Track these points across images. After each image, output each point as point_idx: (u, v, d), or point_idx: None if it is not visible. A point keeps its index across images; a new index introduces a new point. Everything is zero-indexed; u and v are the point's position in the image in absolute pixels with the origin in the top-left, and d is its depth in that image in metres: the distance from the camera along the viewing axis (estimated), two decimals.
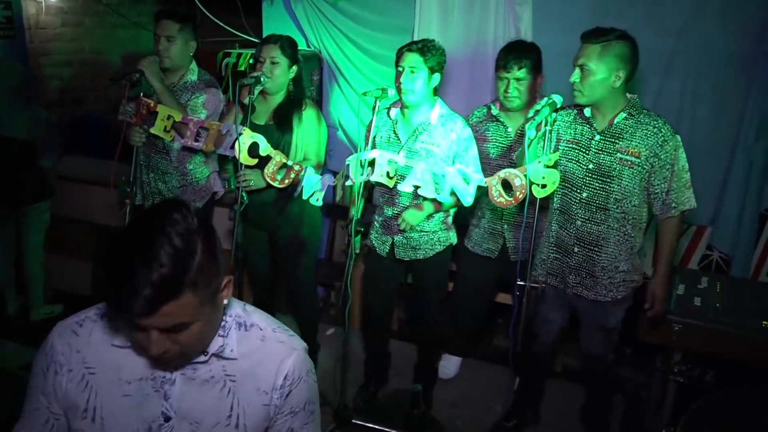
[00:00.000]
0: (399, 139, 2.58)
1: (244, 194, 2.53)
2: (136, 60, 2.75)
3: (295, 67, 2.70)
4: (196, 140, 2.63)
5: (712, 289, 2.43)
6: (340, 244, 3.80)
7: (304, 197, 2.54)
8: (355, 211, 2.47)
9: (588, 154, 2.25)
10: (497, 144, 2.72)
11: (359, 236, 2.67)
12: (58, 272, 3.75)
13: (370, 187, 2.68)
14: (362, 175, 2.40)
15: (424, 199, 2.49)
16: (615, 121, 2.21)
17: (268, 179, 2.53)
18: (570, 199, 2.31)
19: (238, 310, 1.20)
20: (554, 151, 2.26)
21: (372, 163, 2.42)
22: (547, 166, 2.14)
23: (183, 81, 2.89)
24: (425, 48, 2.44)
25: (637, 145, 2.17)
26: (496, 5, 3.13)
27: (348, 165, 2.48)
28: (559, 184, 2.23)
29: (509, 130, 2.69)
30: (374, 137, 2.63)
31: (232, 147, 2.50)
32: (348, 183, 2.58)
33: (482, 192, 2.35)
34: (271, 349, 1.18)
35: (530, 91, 2.60)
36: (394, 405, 2.92)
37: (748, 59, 2.78)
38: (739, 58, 2.80)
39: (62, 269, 3.78)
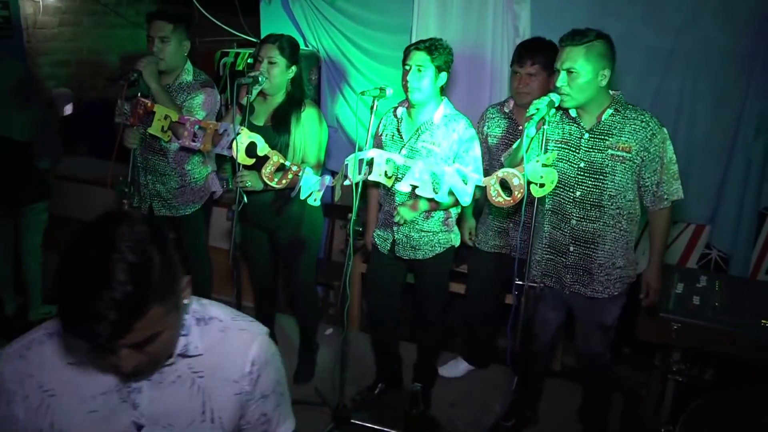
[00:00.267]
0: (402, 138, 2.58)
1: (243, 194, 2.53)
2: (134, 60, 2.75)
3: (294, 68, 2.69)
4: (194, 140, 2.62)
5: (710, 288, 2.43)
6: (339, 244, 3.79)
7: (302, 197, 2.53)
8: (354, 211, 2.47)
9: (578, 153, 2.26)
10: (507, 141, 2.72)
11: (358, 234, 2.67)
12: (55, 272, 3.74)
13: (370, 185, 2.68)
14: (360, 174, 2.40)
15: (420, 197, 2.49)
16: (603, 119, 2.23)
17: (266, 180, 2.52)
18: (563, 198, 2.31)
19: (195, 306, 1.19)
20: (544, 152, 2.27)
21: (371, 163, 2.42)
22: (545, 165, 2.14)
23: (178, 81, 2.89)
24: (433, 47, 2.43)
25: (627, 140, 2.19)
26: (494, 4, 3.13)
27: (346, 165, 2.48)
28: None
29: (520, 127, 2.69)
30: (381, 136, 2.64)
31: (230, 147, 2.50)
32: (346, 183, 2.57)
33: (481, 191, 2.34)
34: (234, 339, 1.18)
35: (542, 88, 2.60)
36: (393, 404, 2.92)
37: (747, 58, 2.78)
38: (738, 57, 2.80)
39: None
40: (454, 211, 2.67)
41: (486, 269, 2.93)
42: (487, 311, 3.05)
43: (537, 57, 2.57)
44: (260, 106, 2.72)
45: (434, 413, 2.87)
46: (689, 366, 2.31)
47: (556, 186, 2.28)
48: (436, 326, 2.86)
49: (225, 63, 3.79)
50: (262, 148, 2.50)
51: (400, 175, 2.43)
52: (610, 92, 2.25)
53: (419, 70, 2.43)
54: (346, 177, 2.46)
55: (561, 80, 2.16)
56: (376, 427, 2.68)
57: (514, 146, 2.41)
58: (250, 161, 2.51)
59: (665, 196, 2.24)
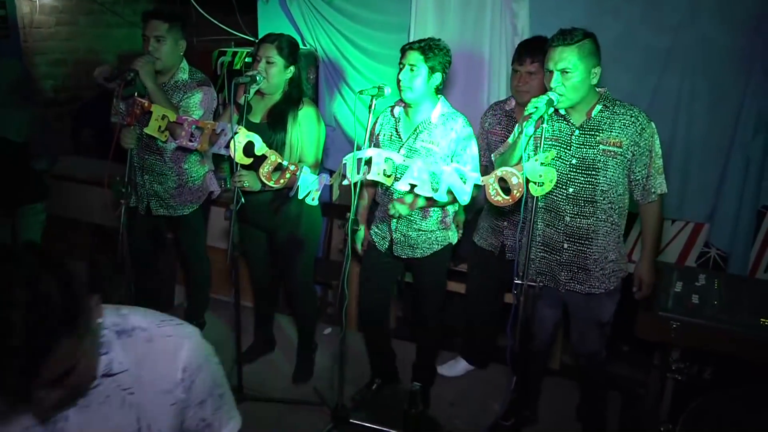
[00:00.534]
0: (400, 137, 2.57)
1: (241, 194, 2.52)
2: (131, 59, 2.74)
3: (292, 68, 2.68)
4: (191, 140, 2.61)
5: (709, 287, 2.43)
6: (338, 244, 3.79)
7: (300, 197, 2.53)
8: (352, 210, 2.46)
9: (570, 150, 2.27)
10: (505, 138, 2.71)
11: (357, 234, 2.67)
12: None
13: (368, 184, 2.68)
14: (359, 173, 2.39)
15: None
16: (592, 115, 2.24)
17: (264, 179, 2.52)
18: (556, 196, 2.32)
19: (114, 318, 1.11)
20: (534, 151, 2.27)
21: (369, 162, 2.41)
22: (543, 164, 2.14)
23: (174, 80, 2.88)
24: (427, 47, 2.43)
25: (617, 135, 2.21)
26: (492, 3, 3.12)
27: (345, 164, 2.47)
28: None
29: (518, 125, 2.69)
30: (377, 135, 2.64)
31: (227, 146, 2.49)
32: (345, 182, 2.57)
33: (480, 191, 2.34)
34: (161, 347, 1.11)
35: (542, 86, 2.59)
36: (392, 404, 2.91)
37: (745, 56, 2.78)
38: (736, 56, 2.80)
39: None
40: (450, 210, 2.67)
41: (485, 267, 2.94)
42: (487, 310, 3.05)
43: (537, 55, 2.57)
44: (257, 104, 2.71)
45: (433, 413, 2.87)
46: (688, 364, 2.30)
47: None
48: (435, 325, 2.86)
49: (222, 62, 3.78)
50: (260, 148, 2.49)
51: (398, 175, 2.43)
52: (597, 89, 2.26)
53: (411, 70, 2.44)
54: (344, 176, 2.46)
55: (555, 81, 2.16)
56: (375, 426, 2.67)
57: (508, 146, 2.41)
58: (248, 161, 2.50)
59: (653, 190, 2.28)
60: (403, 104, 2.58)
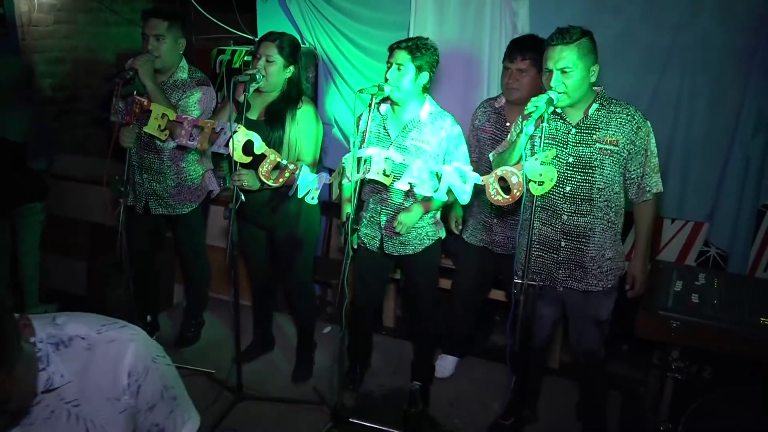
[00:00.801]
0: (389, 135, 2.57)
1: (240, 193, 2.52)
2: (129, 58, 2.73)
3: (292, 68, 2.67)
4: (191, 139, 2.61)
5: (709, 286, 2.43)
6: (337, 242, 3.78)
7: (299, 196, 2.52)
8: (351, 209, 2.46)
9: (566, 149, 2.28)
10: (495, 136, 2.73)
11: (356, 234, 2.67)
12: (53, 271, 3.73)
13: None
14: (359, 172, 2.39)
15: (414, 200, 2.52)
16: (589, 113, 2.25)
17: (263, 178, 2.51)
18: (553, 194, 2.32)
19: (50, 330, 1.05)
20: (532, 150, 2.28)
21: (365, 161, 2.41)
22: (543, 163, 2.14)
23: (173, 79, 2.87)
24: (415, 46, 2.44)
25: (614, 134, 2.22)
26: (492, 1, 3.11)
27: (344, 163, 2.47)
28: None
29: (507, 124, 2.69)
30: (363, 132, 2.63)
31: (227, 145, 2.48)
32: (344, 181, 2.56)
33: (479, 190, 2.33)
34: (103, 354, 1.06)
35: (532, 85, 2.60)
36: (391, 403, 2.91)
37: (745, 54, 2.78)
38: (736, 54, 2.80)
39: (57, 268, 3.76)
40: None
41: (473, 263, 2.95)
42: (470, 304, 3.07)
43: (527, 53, 2.57)
44: (255, 101, 2.71)
45: (433, 412, 2.87)
46: (688, 364, 2.30)
47: None
48: (430, 321, 2.87)
49: (222, 60, 3.77)
50: (259, 147, 2.48)
51: (396, 174, 2.43)
52: (593, 88, 2.27)
53: (399, 69, 2.45)
54: (344, 175, 2.45)
55: (555, 80, 2.16)
56: (374, 426, 2.67)
57: (507, 145, 2.40)
58: (247, 159, 2.50)
59: (648, 189, 2.30)
60: (390, 102, 2.58)
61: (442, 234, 2.74)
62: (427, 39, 2.50)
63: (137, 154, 2.91)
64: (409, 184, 2.33)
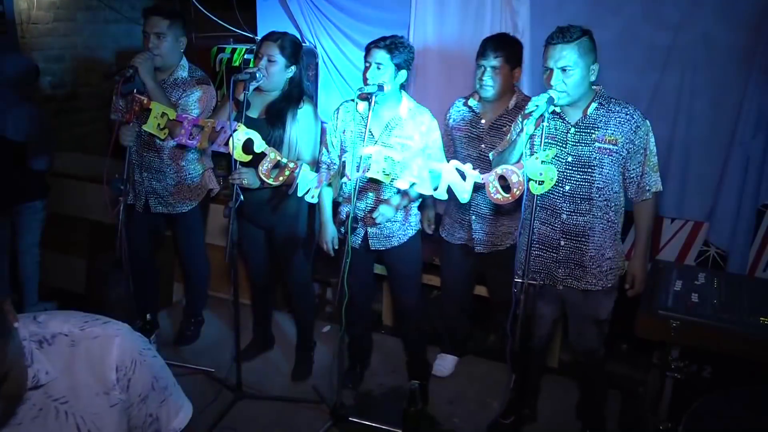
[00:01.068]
0: (372, 135, 2.58)
1: (240, 192, 2.51)
2: (129, 56, 2.73)
3: (293, 68, 2.67)
4: (190, 138, 2.60)
5: (709, 285, 2.43)
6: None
7: (299, 195, 2.52)
8: (351, 208, 2.46)
9: (566, 148, 2.28)
10: (468, 134, 2.73)
11: (355, 232, 2.66)
12: (52, 269, 3.73)
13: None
14: (358, 171, 2.39)
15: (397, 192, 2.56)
16: (588, 112, 2.24)
17: (263, 177, 2.51)
18: (552, 194, 2.32)
19: (32, 328, 1.05)
20: (531, 149, 2.27)
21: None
22: (543, 162, 2.14)
23: (173, 77, 2.87)
24: (392, 45, 2.46)
25: (613, 133, 2.22)
26: (492, 1, 3.11)
27: (344, 162, 2.47)
28: None
29: (482, 121, 2.70)
30: (343, 132, 2.65)
31: (227, 144, 2.48)
32: (344, 180, 2.56)
33: (479, 188, 2.34)
34: (88, 350, 1.06)
35: (506, 82, 2.61)
36: (391, 402, 2.91)
37: (746, 54, 2.77)
38: (737, 53, 2.79)
39: (56, 266, 3.76)
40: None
41: (454, 260, 2.96)
42: (459, 302, 3.08)
43: (500, 51, 2.57)
44: (255, 99, 2.70)
45: (433, 411, 2.87)
46: (688, 363, 2.30)
47: None
48: (418, 315, 2.89)
49: (221, 59, 3.77)
50: (259, 146, 2.48)
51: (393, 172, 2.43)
52: (593, 87, 2.27)
53: (378, 68, 2.47)
54: (344, 174, 2.45)
55: (556, 79, 2.16)
56: (374, 425, 2.67)
57: (507, 143, 2.40)
58: (247, 158, 2.49)
59: (647, 188, 2.30)
60: (370, 101, 2.58)
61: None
62: (403, 37, 2.53)
63: (137, 152, 2.90)
64: (410, 182, 2.34)
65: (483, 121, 2.70)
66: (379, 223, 2.62)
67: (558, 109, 2.27)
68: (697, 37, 2.83)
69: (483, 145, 2.68)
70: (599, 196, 2.28)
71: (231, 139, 2.44)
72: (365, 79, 2.50)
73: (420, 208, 2.83)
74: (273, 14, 3.72)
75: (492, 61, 2.57)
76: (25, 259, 3.48)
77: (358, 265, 2.77)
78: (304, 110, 2.69)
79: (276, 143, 2.62)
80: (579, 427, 2.73)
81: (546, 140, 2.29)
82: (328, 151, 2.70)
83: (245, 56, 3.68)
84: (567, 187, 2.30)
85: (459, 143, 2.76)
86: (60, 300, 3.65)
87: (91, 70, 4.78)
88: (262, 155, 2.50)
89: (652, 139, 2.27)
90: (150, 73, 2.67)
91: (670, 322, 2.20)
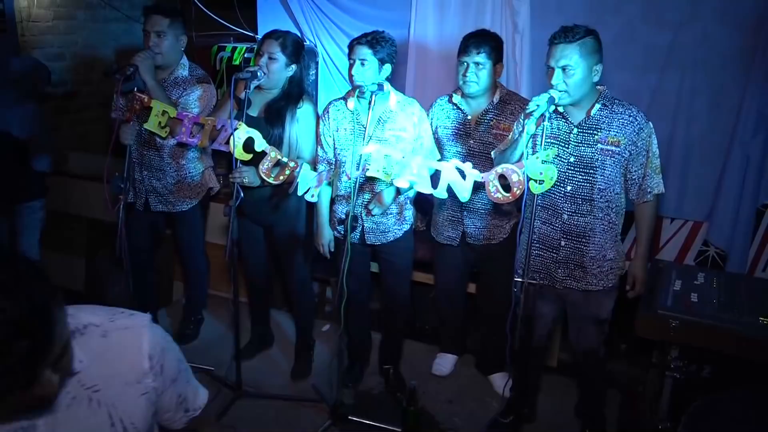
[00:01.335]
0: (365, 130, 2.57)
1: (240, 190, 2.51)
2: (129, 54, 2.72)
3: (294, 67, 2.67)
4: (191, 136, 2.60)
5: (708, 285, 2.43)
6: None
7: (299, 193, 2.52)
8: (351, 207, 2.46)
9: (568, 148, 2.28)
10: (456, 131, 2.73)
11: (355, 230, 2.66)
12: (52, 267, 3.72)
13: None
14: (358, 170, 2.39)
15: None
16: (592, 113, 2.24)
17: (263, 175, 2.51)
18: (553, 194, 2.32)
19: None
20: (533, 149, 2.27)
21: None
22: (544, 161, 2.14)
23: (173, 76, 2.87)
24: (374, 40, 2.48)
25: (615, 135, 2.22)
26: (492, 0, 3.11)
27: (344, 161, 2.47)
28: None
29: (468, 117, 2.69)
30: (336, 131, 2.65)
31: (227, 142, 2.48)
32: (344, 179, 2.57)
33: (478, 187, 2.34)
34: (120, 340, 1.10)
35: (489, 78, 2.61)
36: (390, 401, 2.91)
37: (745, 54, 2.78)
38: (737, 54, 2.80)
39: (56, 264, 3.76)
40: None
41: (445, 259, 2.96)
42: (453, 301, 3.09)
43: (483, 46, 2.56)
44: (255, 97, 2.70)
45: (432, 410, 2.87)
46: (687, 363, 2.30)
47: None
48: (406, 307, 2.94)
49: (222, 58, 3.77)
50: (260, 144, 2.48)
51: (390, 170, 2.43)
52: (597, 87, 2.26)
53: (363, 64, 2.49)
54: (342, 173, 2.46)
55: (556, 78, 2.16)
56: (373, 423, 2.67)
57: (508, 142, 2.40)
58: (248, 156, 2.49)
59: (649, 190, 2.30)
60: (359, 97, 2.59)
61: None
62: (383, 31, 2.54)
63: (137, 151, 2.90)
64: (410, 181, 2.34)
65: (469, 117, 2.69)
66: (375, 215, 2.64)
67: (561, 109, 2.27)
68: (697, 38, 2.83)
69: (472, 141, 2.68)
70: (600, 198, 2.28)
71: (232, 137, 2.43)
72: (351, 77, 2.53)
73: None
74: (273, 13, 3.72)
75: (475, 57, 2.56)
76: None
77: (356, 262, 2.78)
78: (304, 109, 2.69)
79: (275, 142, 2.62)
80: (578, 427, 2.73)
81: (549, 140, 2.29)
82: (324, 150, 2.70)
83: (245, 55, 3.68)
84: (568, 188, 2.30)
85: (446, 141, 2.74)
86: None
87: (92, 69, 4.77)
88: (263, 154, 2.50)
89: (655, 142, 2.27)
90: (150, 72, 2.67)
91: (670, 322, 2.20)
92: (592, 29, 2.17)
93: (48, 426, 1.02)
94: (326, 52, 3.63)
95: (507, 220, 2.77)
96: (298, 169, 2.52)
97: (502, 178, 2.24)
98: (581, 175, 2.27)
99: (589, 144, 2.25)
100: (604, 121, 2.23)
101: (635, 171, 2.28)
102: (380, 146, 2.43)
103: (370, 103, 2.42)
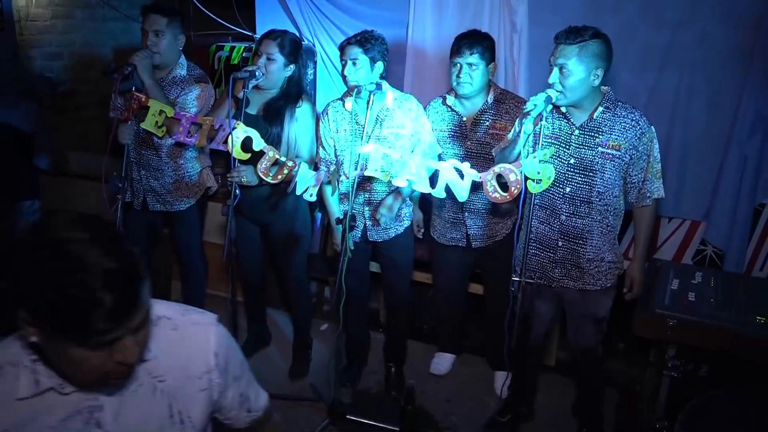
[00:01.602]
0: (363, 130, 2.57)
1: (237, 189, 2.51)
2: (127, 53, 2.72)
3: (292, 67, 2.68)
4: (189, 136, 2.60)
5: (706, 284, 2.43)
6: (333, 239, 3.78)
7: (298, 193, 2.52)
8: (349, 206, 2.46)
9: (569, 150, 2.28)
10: (452, 133, 2.72)
11: (354, 230, 2.66)
12: None
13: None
14: (356, 170, 2.39)
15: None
16: (594, 116, 2.24)
17: (261, 175, 2.51)
18: (552, 194, 2.32)
19: None
20: (533, 148, 2.27)
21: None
22: (542, 161, 2.14)
23: (171, 75, 2.86)
24: (364, 39, 2.50)
25: (617, 138, 2.22)
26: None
27: (342, 161, 2.47)
28: None
29: (463, 119, 2.69)
30: (336, 131, 2.66)
31: (225, 142, 2.48)
32: (342, 179, 2.57)
33: (477, 187, 2.34)
34: (189, 334, 1.13)
35: (482, 78, 2.61)
36: (388, 400, 2.92)
37: (744, 54, 2.78)
38: (735, 53, 2.80)
39: None
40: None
41: (446, 261, 2.95)
42: (452, 302, 3.09)
43: (475, 47, 2.54)
44: (253, 97, 2.70)
45: (430, 409, 2.87)
46: (684, 362, 2.31)
47: None
48: (409, 304, 2.96)
49: (220, 57, 3.77)
50: (258, 144, 2.48)
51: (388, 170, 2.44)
52: (602, 88, 2.25)
53: (354, 64, 2.50)
54: (341, 173, 2.46)
55: (553, 77, 2.16)
56: (371, 422, 2.67)
57: (507, 142, 2.40)
58: (246, 156, 2.49)
59: (648, 194, 2.30)
60: (356, 97, 2.59)
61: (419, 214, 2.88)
62: (373, 30, 2.55)
63: (135, 150, 2.90)
64: (407, 180, 2.34)
65: (464, 119, 2.69)
66: (383, 222, 2.66)
67: (564, 110, 2.27)
68: (695, 37, 2.83)
69: (469, 143, 2.67)
70: (599, 200, 2.28)
71: (230, 137, 2.43)
72: (344, 77, 2.54)
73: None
74: (272, 13, 3.71)
75: (468, 58, 2.56)
76: None
77: (357, 260, 2.78)
78: (303, 109, 2.70)
79: (274, 141, 2.62)
80: (576, 425, 2.74)
81: (549, 140, 2.29)
82: (326, 151, 2.71)
83: (243, 54, 3.67)
84: (567, 189, 2.30)
85: (443, 143, 2.73)
86: None
87: (90, 68, 4.77)
88: (261, 153, 2.50)
89: (657, 146, 2.26)
90: (148, 71, 2.67)
91: (667, 321, 2.20)
92: (601, 33, 2.15)
93: (112, 407, 1.05)
94: (324, 52, 3.63)
95: (508, 218, 2.77)
96: (296, 169, 2.52)
97: (500, 178, 2.24)
98: (580, 177, 2.27)
99: (590, 146, 2.24)
100: (606, 124, 2.22)
101: (635, 175, 2.28)
102: (378, 145, 2.43)
103: (368, 102, 2.42)
